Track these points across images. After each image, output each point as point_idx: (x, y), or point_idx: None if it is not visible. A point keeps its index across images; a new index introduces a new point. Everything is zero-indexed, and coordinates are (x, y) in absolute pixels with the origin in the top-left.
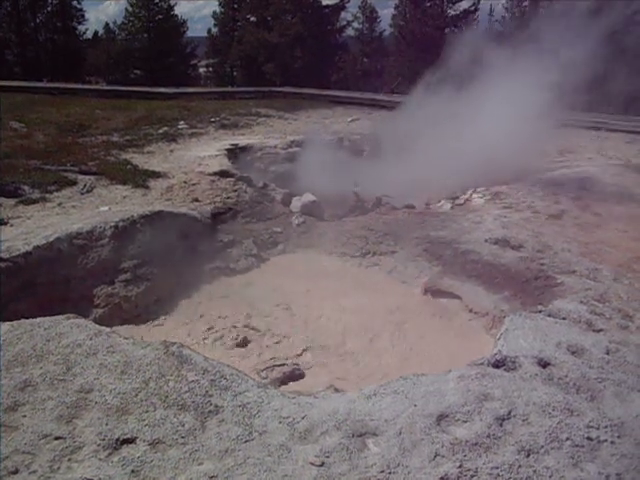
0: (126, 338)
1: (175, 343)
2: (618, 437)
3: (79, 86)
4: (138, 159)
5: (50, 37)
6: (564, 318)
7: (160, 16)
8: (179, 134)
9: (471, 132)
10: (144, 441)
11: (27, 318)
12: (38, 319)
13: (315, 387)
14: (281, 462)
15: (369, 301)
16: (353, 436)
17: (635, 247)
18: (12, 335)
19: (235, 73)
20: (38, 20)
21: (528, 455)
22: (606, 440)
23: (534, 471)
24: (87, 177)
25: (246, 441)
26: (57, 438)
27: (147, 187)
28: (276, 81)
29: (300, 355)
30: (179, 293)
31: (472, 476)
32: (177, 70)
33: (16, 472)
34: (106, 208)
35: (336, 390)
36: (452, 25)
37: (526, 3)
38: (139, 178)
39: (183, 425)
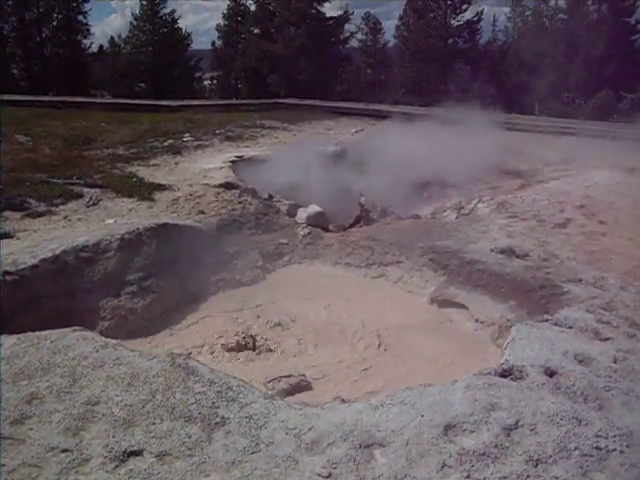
0: (132, 350)
1: (181, 355)
2: (627, 446)
3: (84, 99)
4: (143, 172)
5: (56, 51)
6: (571, 327)
7: (165, 29)
8: (184, 146)
9: None
10: (151, 453)
11: (33, 331)
12: (44, 332)
13: (322, 398)
14: (288, 473)
15: (375, 311)
16: (360, 447)
17: None
18: (19, 348)
19: (239, 85)
20: (44, 35)
21: (536, 465)
22: (615, 449)
23: None
24: (93, 190)
25: (253, 452)
26: (64, 451)
27: (153, 200)
28: (280, 93)
29: (307, 366)
30: (185, 305)
31: None
32: (182, 83)
33: None
34: (112, 221)
35: (343, 401)
36: (455, 36)
37: (529, 13)
38: (145, 191)
39: (190, 437)
